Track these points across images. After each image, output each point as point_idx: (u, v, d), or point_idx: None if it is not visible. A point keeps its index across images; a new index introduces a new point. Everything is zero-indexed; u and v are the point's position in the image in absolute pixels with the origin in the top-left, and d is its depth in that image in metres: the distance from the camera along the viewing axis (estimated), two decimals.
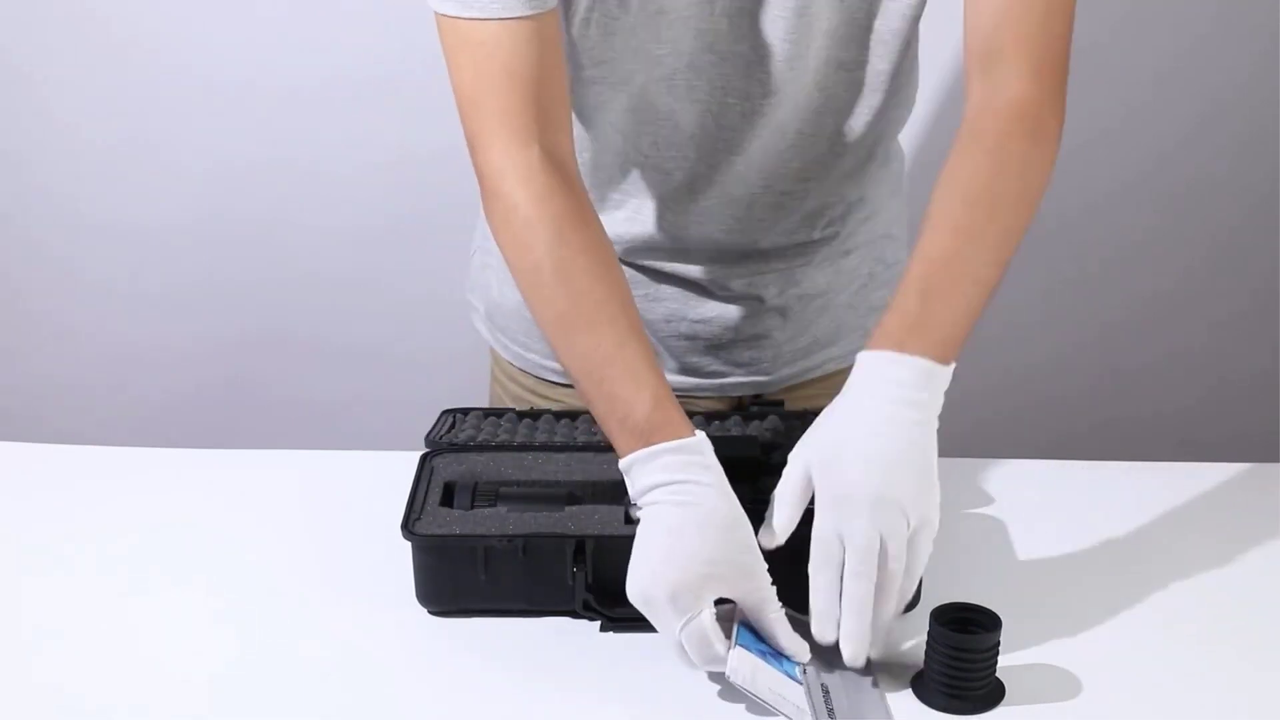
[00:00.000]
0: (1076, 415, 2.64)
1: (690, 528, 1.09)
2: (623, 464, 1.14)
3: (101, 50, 2.36)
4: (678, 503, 1.11)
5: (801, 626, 1.11)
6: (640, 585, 1.09)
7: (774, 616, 1.10)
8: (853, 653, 1.08)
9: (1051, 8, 1.19)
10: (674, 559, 1.08)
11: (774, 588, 1.10)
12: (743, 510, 1.12)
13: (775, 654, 1.09)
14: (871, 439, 1.10)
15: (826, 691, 1.08)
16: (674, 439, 1.12)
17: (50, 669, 1.14)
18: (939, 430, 1.13)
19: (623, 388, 1.15)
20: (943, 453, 1.40)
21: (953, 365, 1.13)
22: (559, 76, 1.21)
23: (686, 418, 1.15)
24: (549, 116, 1.20)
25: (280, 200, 2.45)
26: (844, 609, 1.08)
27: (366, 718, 1.07)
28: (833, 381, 1.47)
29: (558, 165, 1.19)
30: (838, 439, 1.11)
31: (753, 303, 1.42)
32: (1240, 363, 2.63)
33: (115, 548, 1.32)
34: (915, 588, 1.11)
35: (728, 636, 1.08)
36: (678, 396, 1.44)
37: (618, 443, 1.14)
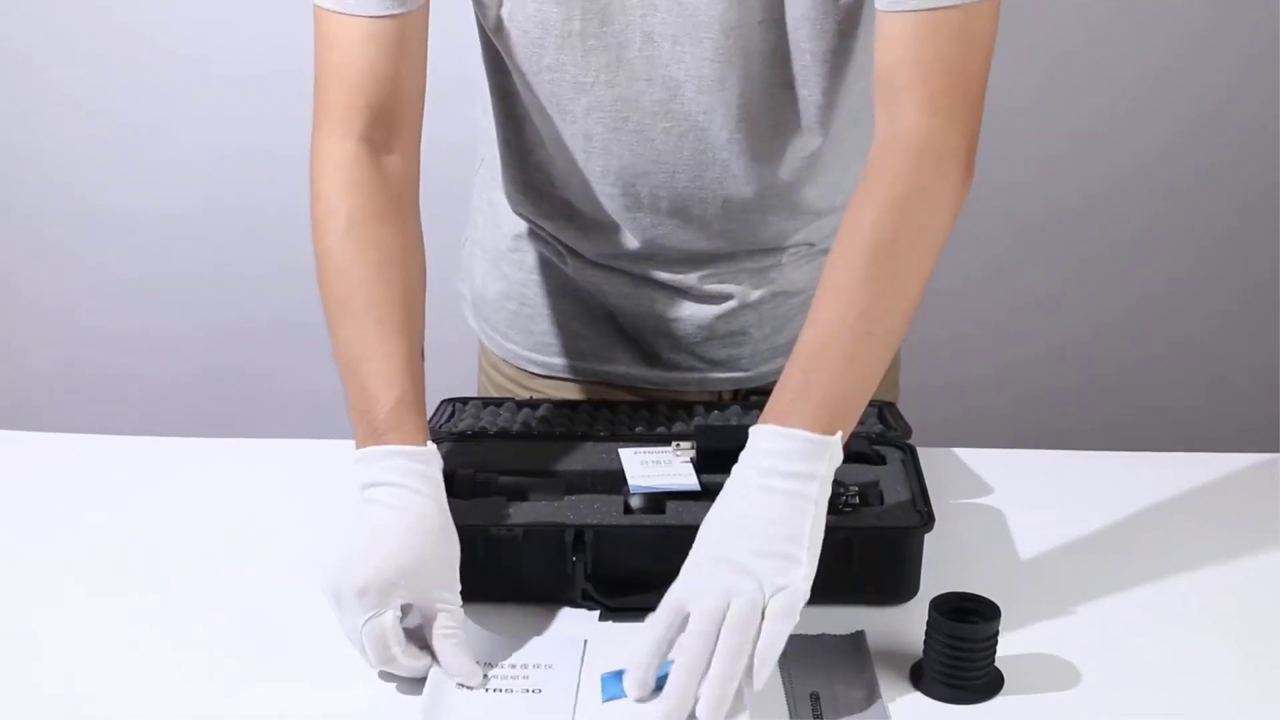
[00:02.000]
0: (1077, 410, 2.65)
1: (395, 530, 1.10)
2: (353, 457, 1.15)
3: (102, 39, 2.36)
4: (390, 505, 1.11)
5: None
6: (330, 576, 1.08)
7: (444, 632, 1.08)
8: (670, 713, 1.01)
9: (957, 39, 1.14)
10: (370, 557, 1.08)
11: (460, 609, 1.10)
12: (454, 526, 1.13)
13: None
14: (735, 505, 1.08)
15: (816, 698, 1.08)
16: (405, 444, 1.14)
17: (50, 655, 1.14)
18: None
19: (372, 382, 1.17)
20: (943, 443, 1.41)
21: (839, 434, 1.09)
22: (409, 79, 1.23)
23: (425, 425, 1.17)
24: (385, 115, 1.22)
25: (279, 190, 2.43)
26: (675, 668, 1.02)
27: (370, 702, 1.07)
28: None
29: (375, 163, 1.21)
30: (709, 514, 1.09)
31: (726, 302, 1.42)
32: (1241, 357, 2.63)
33: (114, 536, 1.32)
34: (766, 670, 1.02)
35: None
36: (660, 391, 1.45)
37: (356, 434, 1.16)
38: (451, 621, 1.09)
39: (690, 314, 1.43)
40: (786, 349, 1.44)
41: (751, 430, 1.11)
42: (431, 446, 1.16)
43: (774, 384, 1.44)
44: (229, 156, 2.43)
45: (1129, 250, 2.56)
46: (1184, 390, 2.65)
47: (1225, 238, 2.56)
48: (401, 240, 1.22)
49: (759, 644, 1.01)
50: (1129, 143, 2.46)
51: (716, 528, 1.08)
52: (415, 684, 1.09)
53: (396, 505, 1.11)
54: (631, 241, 1.38)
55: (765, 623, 1.02)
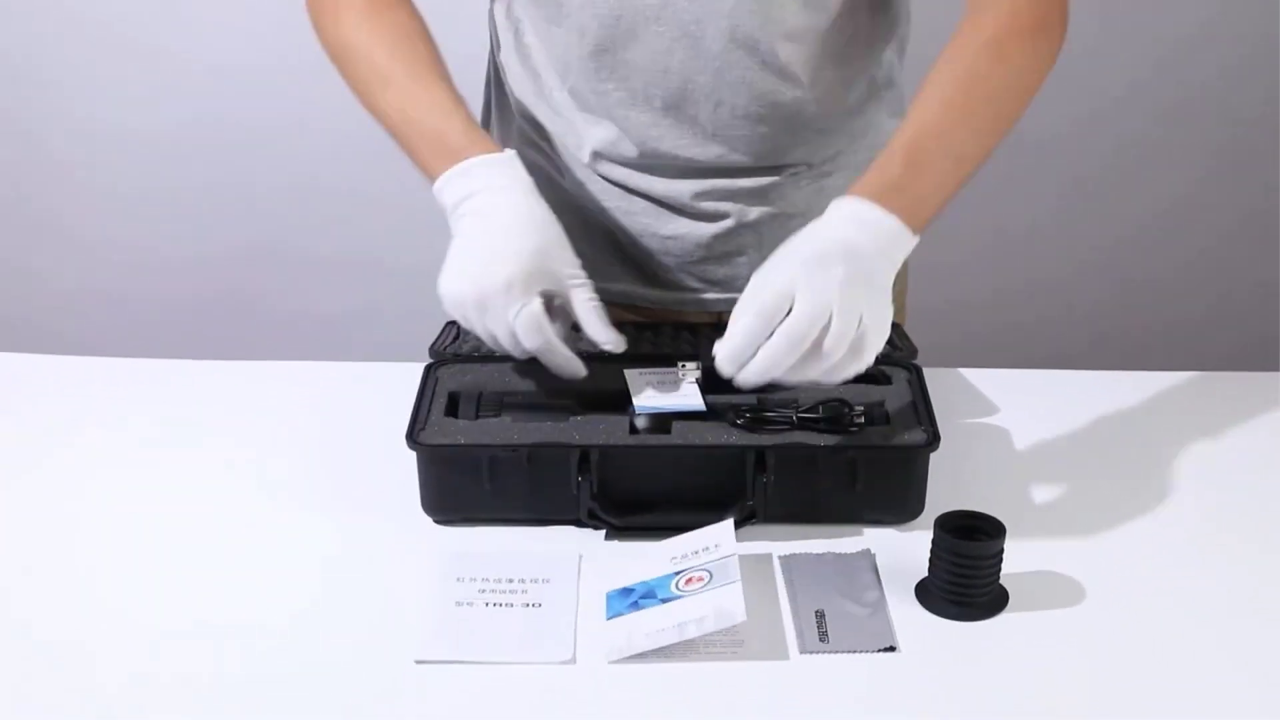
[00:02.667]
0: (1080, 328, 2.65)
1: (514, 226, 1.18)
2: (436, 186, 1.23)
3: None
4: (498, 205, 1.19)
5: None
6: (463, 286, 1.16)
7: (587, 304, 1.19)
8: (739, 379, 1.12)
9: None
10: (504, 253, 1.17)
11: (588, 280, 1.20)
12: (552, 213, 1.21)
13: (644, 593, 1.09)
14: (839, 231, 1.14)
15: (821, 615, 1.08)
16: (487, 153, 1.22)
17: (51, 576, 1.15)
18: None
19: (434, 117, 1.25)
20: (946, 363, 1.41)
21: (917, 239, 1.16)
22: None
23: (495, 145, 1.24)
24: None
25: (283, 107, 2.43)
26: (759, 356, 1.10)
27: (374, 626, 1.08)
28: None
29: None
30: (809, 238, 1.15)
31: (723, 220, 1.41)
32: (1242, 274, 2.63)
33: (116, 459, 1.33)
34: (843, 378, 1.13)
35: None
36: (657, 311, 1.44)
37: (432, 169, 1.23)
38: (588, 292, 1.20)
39: (687, 232, 1.42)
40: None
41: (839, 201, 1.17)
42: (510, 151, 1.24)
43: None
44: (234, 74, 2.42)
45: (1130, 168, 2.54)
46: (1186, 308, 2.65)
47: (1225, 154, 2.54)
48: (417, 23, 1.32)
49: (839, 370, 1.11)
50: (1126, 59, 2.43)
51: (821, 241, 1.14)
52: (420, 593, 1.09)
53: (504, 205, 1.19)
54: (629, 148, 1.37)
55: (847, 354, 1.10)
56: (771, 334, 1.10)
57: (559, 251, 1.20)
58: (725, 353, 1.12)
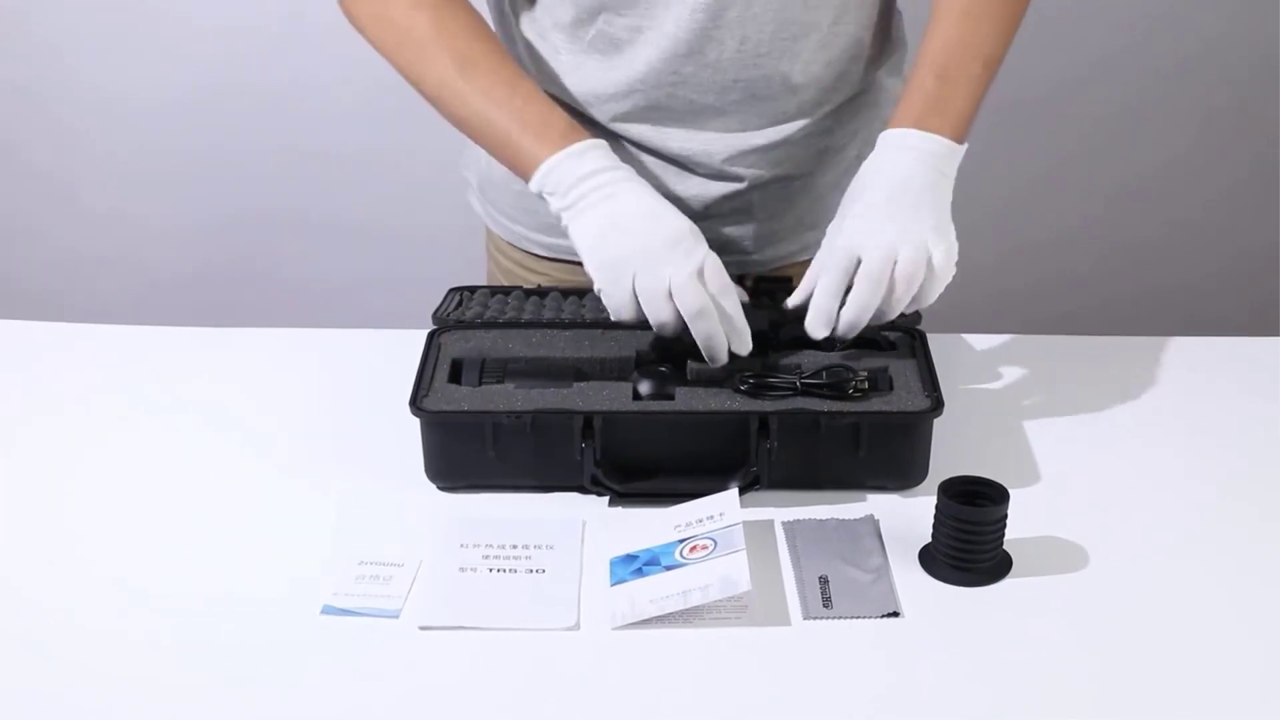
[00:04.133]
0: (1081, 291, 2.64)
1: (651, 194, 1.22)
2: (547, 165, 1.22)
3: None
4: (631, 179, 1.23)
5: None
6: (636, 236, 1.19)
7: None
8: (838, 333, 1.20)
9: None
10: (665, 214, 1.20)
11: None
12: None
13: (647, 560, 1.10)
14: (889, 174, 1.22)
15: (825, 581, 1.09)
16: (596, 139, 1.25)
17: (57, 542, 1.15)
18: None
19: (537, 105, 1.26)
20: (948, 328, 1.41)
21: (965, 145, 1.25)
22: None
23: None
24: None
25: (289, 73, 2.43)
26: (849, 305, 1.19)
27: (378, 592, 1.08)
28: None
29: None
30: (864, 184, 1.23)
31: (732, 181, 1.40)
32: (1242, 236, 2.62)
33: (118, 425, 1.33)
34: (924, 302, 1.21)
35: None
36: None
37: (536, 152, 1.23)
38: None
39: (698, 191, 1.40)
40: (788, 234, 1.44)
41: (887, 134, 1.25)
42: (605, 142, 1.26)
43: (777, 270, 1.45)
44: (237, 41, 2.41)
45: (1131, 129, 2.53)
46: (1186, 270, 2.64)
47: (1224, 115, 2.53)
48: (480, 17, 1.32)
49: (922, 293, 1.19)
50: (1122, 18, 2.42)
51: (872, 187, 1.22)
52: (424, 556, 1.10)
53: (635, 179, 1.23)
54: (645, 83, 1.35)
55: (935, 279, 1.19)
56: (849, 287, 1.19)
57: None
58: (815, 316, 1.20)
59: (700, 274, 1.18)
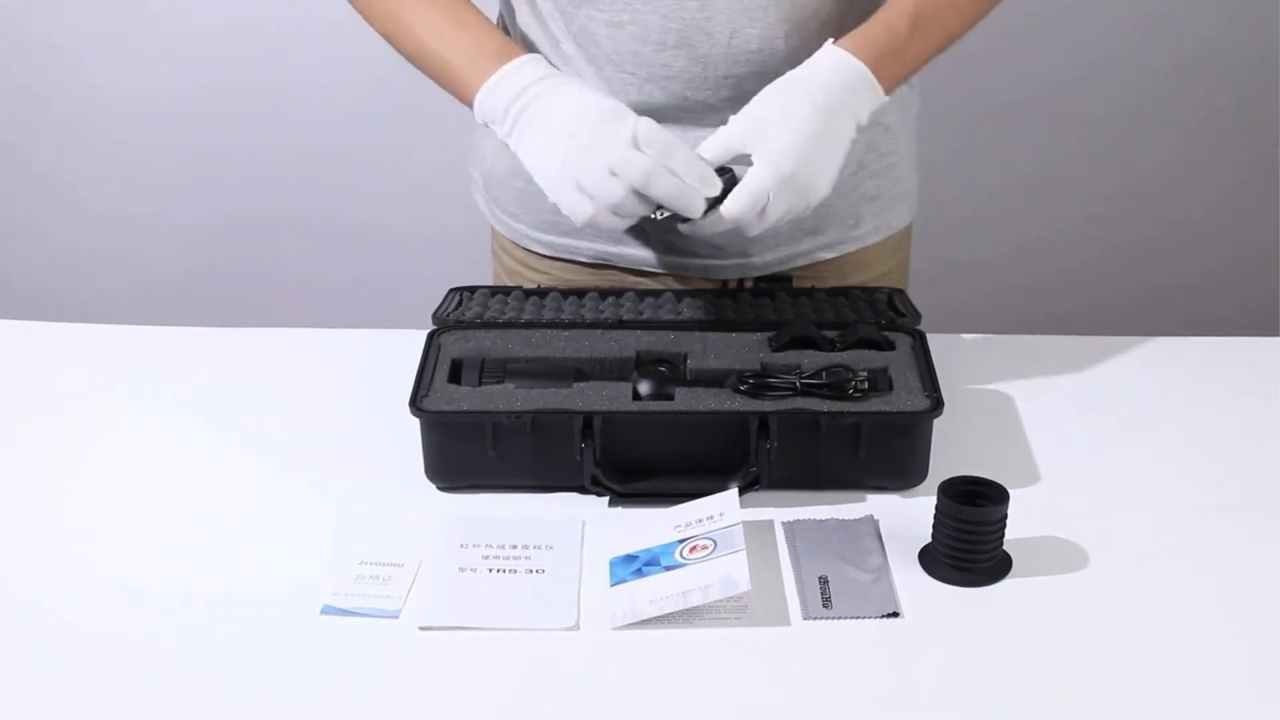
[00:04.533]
0: (1081, 291, 2.64)
1: (592, 89, 1.22)
2: (487, 86, 1.22)
3: None
4: (565, 80, 1.22)
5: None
6: (575, 119, 1.17)
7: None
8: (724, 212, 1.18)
9: None
10: (596, 97, 1.20)
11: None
12: None
13: (647, 560, 1.10)
14: (823, 110, 1.19)
15: (825, 581, 1.09)
16: (528, 54, 1.24)
17: (57, 541, 1.15)
18: None
19: (470, 31, 1.26)
20: (948, 328, 1.41)
21: (886, 100, 1.24)
22: None
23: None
24: None
25: (290, 73, 2.43)
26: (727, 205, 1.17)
27: (377, 593, 1.08)
28: (820, 270, 1.46)
29: None
30: (795, 89, 1.21)
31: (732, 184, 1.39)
32: (1242, 236, 2.62)
33: (118, 425, 1.33)
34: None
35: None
36: (664, 277, 1.43)
37: (472, 76, 1.23)
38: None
39: None
40: (786, 238, 1.43)
41: (843, 59, 1.22)
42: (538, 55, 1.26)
43: (781, 273, 1.45)
44: (238, 39, 2.41)
45: (1128, 129, 2.53)
46: (1186, 270, 2.64)
47: (1224, 114, 2.53)
48: None
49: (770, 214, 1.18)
50: (1126, 17, 2.42)
51: (804, 112, 1.19)
52: (425, 557, 1.10)
53: (574, 80, 1.23)
54: (636, 78, 1.35)
55: (772, 202, 1.17)
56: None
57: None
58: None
59: (634, 142, 1.16)
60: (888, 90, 1.24)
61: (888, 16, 1.26)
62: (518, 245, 1.52)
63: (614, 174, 1.16)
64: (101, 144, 2.53)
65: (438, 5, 1.29)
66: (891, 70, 1.24)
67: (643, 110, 1.34)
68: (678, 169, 1.16)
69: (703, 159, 1.18)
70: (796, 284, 1.44)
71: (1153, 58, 2.46)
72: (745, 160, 1.18)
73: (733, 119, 1.20)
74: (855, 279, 1.46)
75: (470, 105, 1.25)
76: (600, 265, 1.48)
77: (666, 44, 1.31)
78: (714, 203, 1.18)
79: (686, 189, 1.16)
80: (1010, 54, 2.38)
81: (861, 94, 1.22)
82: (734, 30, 1.30)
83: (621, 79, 1.34)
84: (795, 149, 1.17)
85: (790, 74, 1.22)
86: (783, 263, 1.45)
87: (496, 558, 1.12)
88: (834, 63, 1.22)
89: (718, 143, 1.20)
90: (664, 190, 1.16)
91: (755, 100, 1.20)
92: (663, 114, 1.35)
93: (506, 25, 1.46)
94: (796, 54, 1.32)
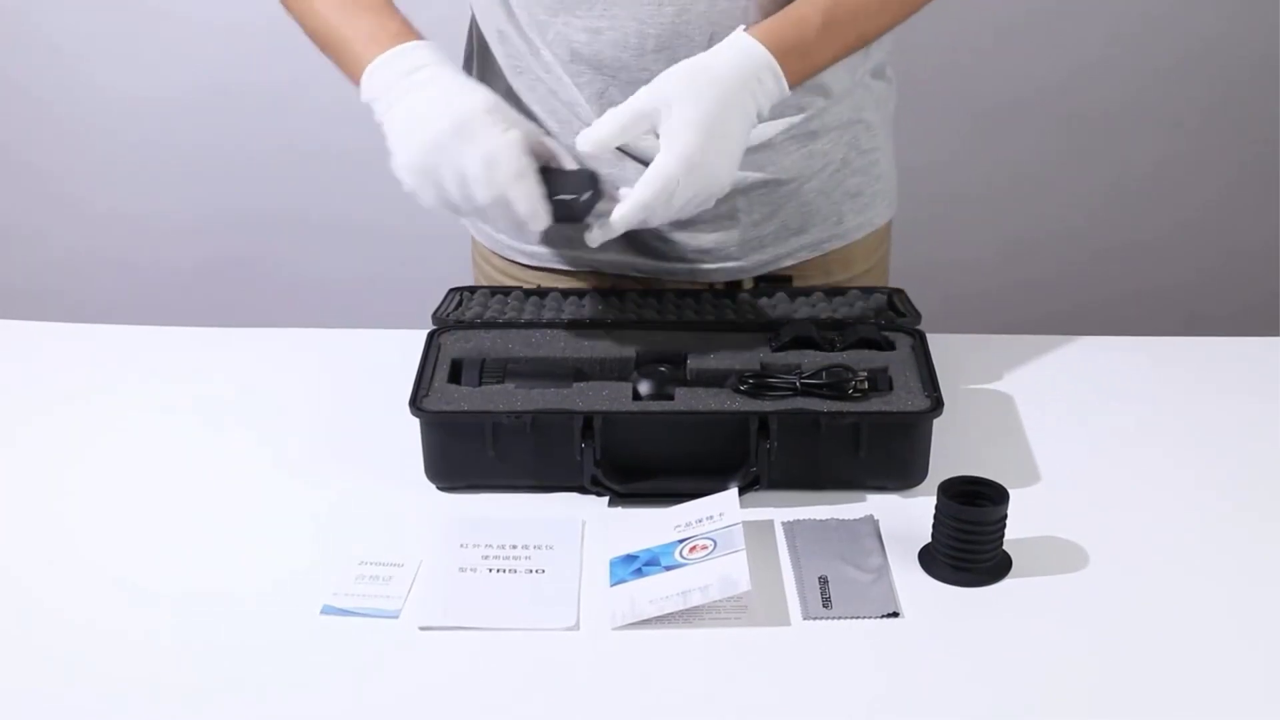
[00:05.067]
0: (1081, 291, 2.64)
1: (471, 82, 1.22)
2: (371, 67, 1.22)
3: None
4: (452, 70, 1.22)
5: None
6: (445, 111, 1.17)
7: (558, 146, 1.22)
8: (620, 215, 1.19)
9: None
10: (474, 89, 1.20)
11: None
12: None
13: (647, 560, 1.10)
14: (728, 95, 1.18)
15: (825, 581, 1.09)
16: (421, 40, 1.24)
17: (55, 541, 1.15)
18: None
19: (373, 14, 1.26)
20: (949, 328, 1.41)
21: (787, 94, 1.23)
22: None
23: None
24: None
25: (288, 72, 2.42)
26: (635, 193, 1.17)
27: (379, 590, 1.08)
28: (805, 270, 1.46)
29: None
30: (701, 74, 1.19)
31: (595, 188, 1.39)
32: (1241, 234, 2.62)
33: (117, 426, 1.33)
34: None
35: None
36: (648, 279, 1.43)
37: (362, 59, 1.24)
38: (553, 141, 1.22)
39: None
40: (773, 240, 1.43)
41: (750, 45, 1.21)
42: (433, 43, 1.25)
43: (768, 275, 1.44)
44: (238, 40, 2.40)
45: (1127, 128, 2.53)
46: (1185, 270, 2.64)
47: (1223, 112, 2.53)
48: None
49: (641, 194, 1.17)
50: (1126, 17, 2.42)
51: (708, 92, 1.18)
52: (424, 556, 1.10)
53: (459, 72, 1.23)
54: (618, 84, 1.34)
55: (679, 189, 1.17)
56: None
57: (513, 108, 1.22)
58: (592, 136, 1.19)
59: (486, 161, 1.16)
60: (791, 86, 1.22)
61: (802, 11, 1.24)
62: (497, 255, 1.51)
63: (460, 185, 1.18)
64: (101, 144, 2.53)
65: None
66: (797, 67, 1.22)
67: None
68: (514, 201, 1.17)
69: (536, 196, 1.18)
70: (796, 283, 1.44)
71: (1152, 57, 2.46)
72: (650, 136, 1.19)
73: (641, 93, 1.19)
74: (840, 276, 1.47)
75: (359, 83, 1.25)
76: (582, 272, 1.47)
77: (645, 49, 1.31)
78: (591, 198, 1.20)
79: (518, 222, 1.18)
80: (1011, 53, 2.38)
81: (768, 85, 1.21)
82: (712, 34, 1.30)
83: (603, 82, 1.34)
84: (702, 136, 1.17)
85: (700, 57, 1.21)
86: (768, 264, 1.45)
87: (497, 558, 1.12)
88: (744, 51, 1.21)
89: (623, 116, 1.18)
90: (497, 218, 1.20)
91: (663, 79, 1.19)
92: None
93: (476, 38, 1.45)
94: None
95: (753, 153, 1.37)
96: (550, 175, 1.20)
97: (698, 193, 1.19)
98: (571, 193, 1.19)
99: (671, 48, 1.30)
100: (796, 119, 1.38)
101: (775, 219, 1.43)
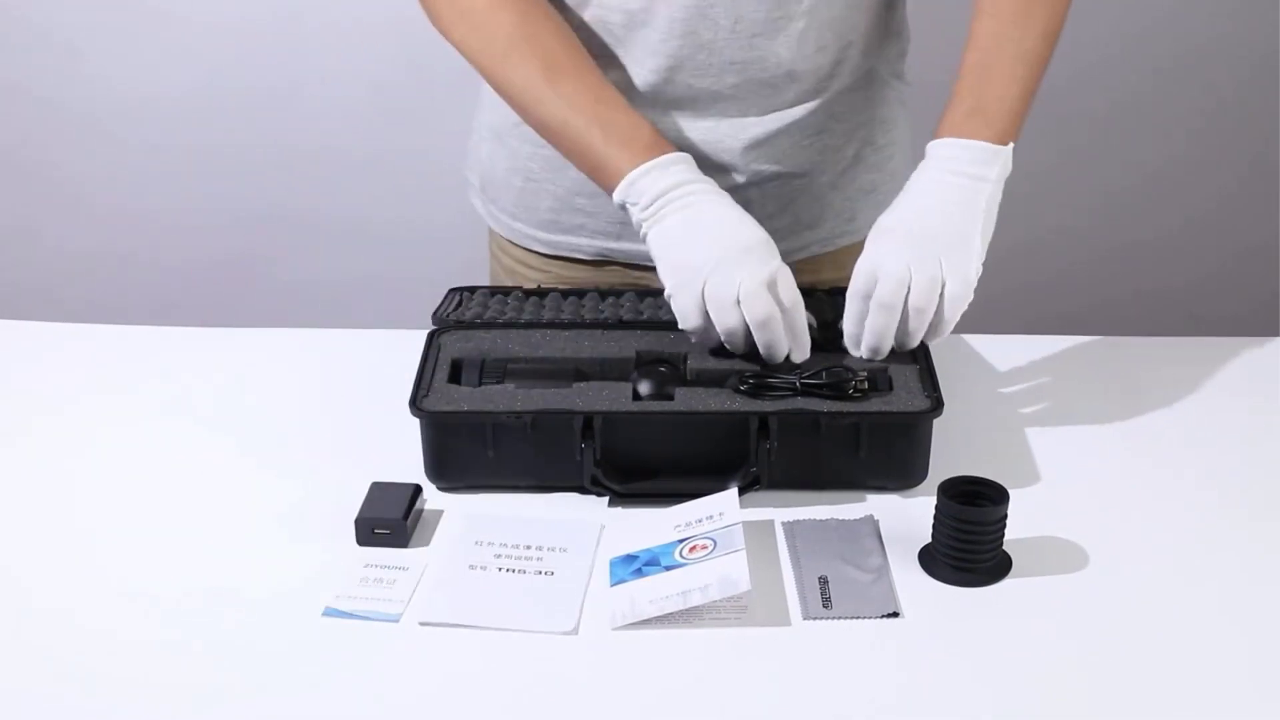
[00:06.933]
0: (1081, 291, 2.64)
1: (734, 208, 1.24)
2: (631, 176, 1.24)
3: None
4: (713, 192, 1.24)
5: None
6: (713, 241, 1.20)
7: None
8: (864, 357, 1.23)
9: None
10: (745, 222, 1.23)
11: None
12: None
13: (647, 560, 1.10)
14: (919, 195, 1.24)
15: (824, 582, 1.09)
16: (678, 152, 1.26)
17: (70, 540, 1.15)
18: None
19: (623, 115, 1.27)
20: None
21: (1011, 145, 1.25)
22: None
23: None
24: None
25: (291, 72, 2.43)
26: (865, 332, 1.21)
27: (382, 593, 1.08)
28: (816, 264, 1.46)
29: None
30: (896, 201, 1.26)
31: (728, 175, 1.40)
32: (1241, 235, 2.62)
33: (117, 425, 1.33)
34: (943, 330, 1.22)
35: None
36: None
37: (621, 162, 1.24)
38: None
39: None
40: (789, 231, 1.43)
41: (930, 145, 1.26)
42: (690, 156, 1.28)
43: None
44: (237, 39, 2.41)
45: (1129, 128, 2.53)
46: (1186, 270, 2.64)
47: (1224, 113, 2.53)
48: (563, 19, 1.32)
49: (938, 319, 1.20)
50: (1127, 17, 2.42)
51: (901, 210, 1.24)
52: (425, 556, 1.10)
53: (716, 191, 1.25)
54: (642, 68, 1.35)
55: (944, 302, 1.20)
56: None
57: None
58: (847, 340, 1.24)
59: (772, 284, 1.19)
60: (994, 137, 1.25)
61: (956, 83, 1.28)
62: (515, 244, 1.52)
63: (739, 303, 1.19)
64: (101, 143, 2.53)
65: (580, 77, 1.29)
66: (974, 125, 1.25)
67: (654, 98, 1.35)
68: (794, 322, 1.21)
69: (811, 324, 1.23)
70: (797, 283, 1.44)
71: (1153, 58, 2.46)
72: None
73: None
74: (851, 271, 1.46)
75: (608, 180, 1.26)
76: (601, 261, 1.48)
77: (673, 33, 1.32)
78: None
79: (783, 345, 1.21)
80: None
81: (956, 157, 1.25)
82: (738, 16, 1.31)
83: (632, 67, 1.35)
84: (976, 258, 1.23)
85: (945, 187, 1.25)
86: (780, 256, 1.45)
87: (509, 557, 1.12)
88: (922, 162, 1.26)
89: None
90: (766, 339, 1.20)
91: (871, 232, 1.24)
92: (670, 102, 1.36)
93: None
94: (800, 37, 1.32)
95: (766, 142, 1.38)
96: None
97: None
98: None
99: (696, 30, 1.32)
100: (810, 108, 1.39)
101: (788, 212, 1.43)
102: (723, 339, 1.22)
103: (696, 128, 1.37)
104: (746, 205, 1.41)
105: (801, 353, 1.22)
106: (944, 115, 1.26)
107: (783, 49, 1.34)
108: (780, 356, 1.21)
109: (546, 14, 1.31)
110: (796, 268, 1.45)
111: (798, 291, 1.21)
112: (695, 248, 1.21)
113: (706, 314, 1.21)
